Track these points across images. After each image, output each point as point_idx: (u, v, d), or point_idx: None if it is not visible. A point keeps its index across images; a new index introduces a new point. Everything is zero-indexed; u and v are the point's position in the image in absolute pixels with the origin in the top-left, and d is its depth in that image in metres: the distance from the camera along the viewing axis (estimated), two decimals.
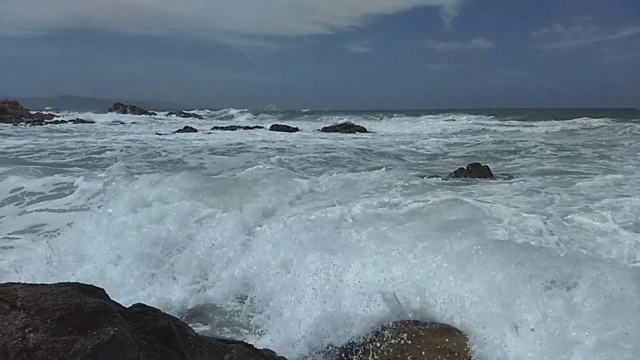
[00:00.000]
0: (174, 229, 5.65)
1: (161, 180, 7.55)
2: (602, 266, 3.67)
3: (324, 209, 6.92)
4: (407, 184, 8.96)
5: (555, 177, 10.69)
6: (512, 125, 35.42)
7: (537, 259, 3.84)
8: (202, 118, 56.84)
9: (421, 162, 15.96)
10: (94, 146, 18.73)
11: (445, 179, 10.80)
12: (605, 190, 8.56)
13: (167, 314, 2.62)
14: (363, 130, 32.55)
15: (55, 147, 18.68)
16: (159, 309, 2.59)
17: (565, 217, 6.49)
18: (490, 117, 45.08)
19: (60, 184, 9.31)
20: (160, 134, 27.62)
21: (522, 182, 9.82)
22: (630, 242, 5.37)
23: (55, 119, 41.57)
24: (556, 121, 36.12)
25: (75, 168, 12.04)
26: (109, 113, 52.42)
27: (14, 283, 2.17)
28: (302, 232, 4.95)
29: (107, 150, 17.55)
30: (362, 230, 5.50)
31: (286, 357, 3.27)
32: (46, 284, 2.21)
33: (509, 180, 10.34)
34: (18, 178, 9.60)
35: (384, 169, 11.19)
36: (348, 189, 8.78)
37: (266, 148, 18.72)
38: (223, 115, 61.06)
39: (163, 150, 17.56)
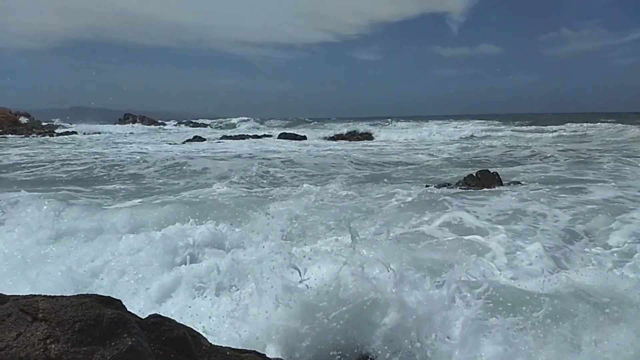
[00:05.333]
0: None
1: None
2: None
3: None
4: (402, 204, 8.51)
5: (557, 187, 10.37)
6: (522, 131, 35.33)
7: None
8: (211, 127, 57.14)
9: (430, 169, 15.94)
10: (104, 158, 18.91)
11: (454, 187, 10.81)
12: (604, 207, 8.10)
13: (182, 324, 2.68)
14: (371, 137, 32.63)
15: (64, 158, 18.91)
16: (174, 319, 2.64)
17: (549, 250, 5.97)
18: (500, 122, 44.97)
19: None
20: (169, 144, 27.90)
21: (524, 193, 9.51)
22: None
23: (65, 130, 41.99)
24: (565, 125, 36.00)
25: (72, 187, 11.74)
26: (118, 125, 52.84)
27: (35, 295, 2.24)
28: None
29: (116, 161, 17.70)
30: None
31: None
32: (66, 296, 2.28)
33: (514, 192, 9.90)
34: None
35: (383, 184, 11.03)
36: (322, 214, 7.90)
37: (268, 159, 18.33)
38: (227, 124, 61.11)
39: (171, 159, 17.72)
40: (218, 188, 10.70)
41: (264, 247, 3.96)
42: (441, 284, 3.60)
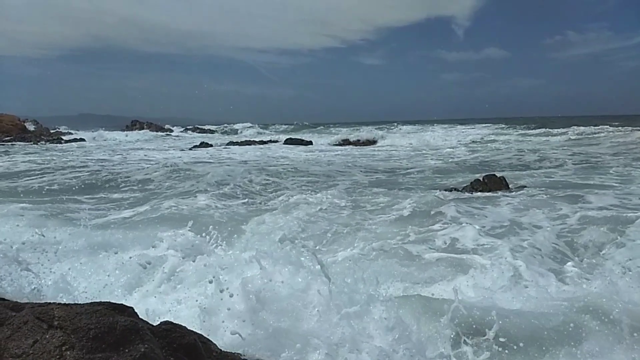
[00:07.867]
0: None
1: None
2: None
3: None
4: (397, 217, 8.25)
5: (561, 194, 10.22)
6: (529, 134, 35.22)
7: None
8: (218, 133, 57.45)
9: (438, 174, 15.87)
10: (110, 166, 19.00)
11: (462, 192, 10.80)
12: (602, 219, 7.76)
13: (193, 331, 2.71)
14: (377, 142, 32.67)
15: (72, 165, 19.05)
16: (185, 326, 2.68)
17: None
18: (506, 125, 44.89)
19: None
20: (176, 150, 28.09)
21: (524, 202, 9.36)
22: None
23: (73, 137, 42.29)
24: (572, 128, 35.81)
25: (77, 196, 11.64)
26: (126, 131, 53.15)
27: (51, 303, 2.28)
28: None
29: (122, 168, 17.75)
30: None
31: None
32: (80, 304, 2.32)
33: (516, 199, 9.72)
34: None
35: (385, 191, 10.85)
36: (309, 229, 7.59)
37: (274, 165, 18.26)
38: (231, 129, 61.21)
39: (179, 166, 17.80)
40: (203, 200, 10.32)
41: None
42: (435, 322, 3.11)
